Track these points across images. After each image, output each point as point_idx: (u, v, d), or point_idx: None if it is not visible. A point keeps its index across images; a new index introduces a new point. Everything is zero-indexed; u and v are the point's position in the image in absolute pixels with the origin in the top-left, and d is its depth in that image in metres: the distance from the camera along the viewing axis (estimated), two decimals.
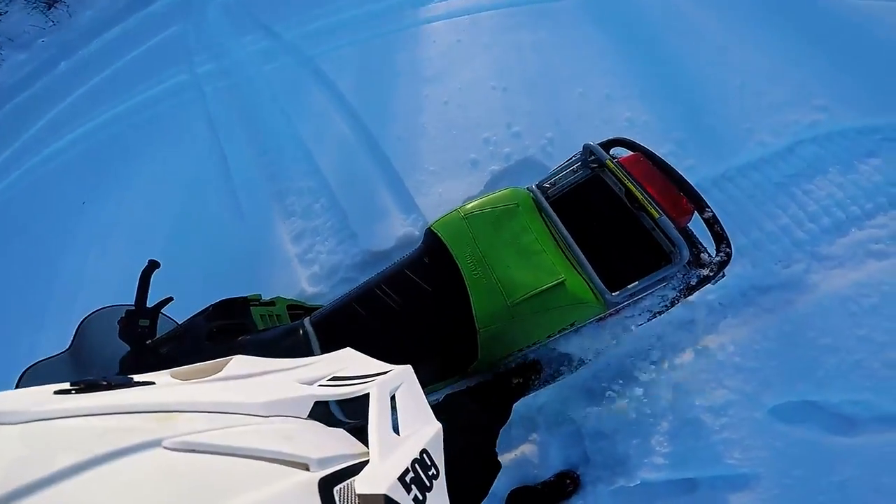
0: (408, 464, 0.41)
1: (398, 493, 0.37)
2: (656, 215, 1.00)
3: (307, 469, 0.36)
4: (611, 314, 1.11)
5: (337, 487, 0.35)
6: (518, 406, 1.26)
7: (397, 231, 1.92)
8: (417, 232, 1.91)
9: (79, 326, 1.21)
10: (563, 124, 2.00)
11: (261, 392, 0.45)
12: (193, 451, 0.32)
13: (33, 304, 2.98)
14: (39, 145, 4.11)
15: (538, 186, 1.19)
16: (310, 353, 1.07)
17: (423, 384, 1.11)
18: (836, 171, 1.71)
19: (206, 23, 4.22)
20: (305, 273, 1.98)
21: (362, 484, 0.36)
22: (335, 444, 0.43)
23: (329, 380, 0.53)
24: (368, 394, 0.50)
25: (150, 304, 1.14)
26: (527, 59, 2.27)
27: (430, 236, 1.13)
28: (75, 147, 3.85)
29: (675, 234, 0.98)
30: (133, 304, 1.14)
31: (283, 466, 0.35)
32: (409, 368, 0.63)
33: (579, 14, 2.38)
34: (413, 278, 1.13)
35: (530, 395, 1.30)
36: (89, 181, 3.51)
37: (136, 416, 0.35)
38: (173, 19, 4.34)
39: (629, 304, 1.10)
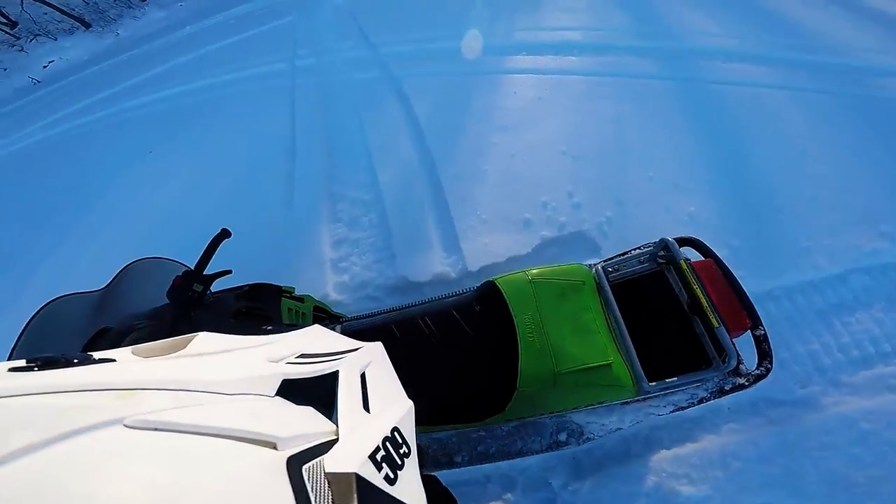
0: (378, 442, 0.41)
1: (369, 471, 0.37)
2: (715, 325, 1.04)
3: (275, 448, 0.35)
4: (638, 400, 1.16)
5: (306, 466, 0.34)
6: (502, 463, 1.30)
7: (435, 267, 1.93)
8: (454, 274, 1.91)
9: (122, 270, 1.23)
10: (625, 206, 1.98)
11: (227, 370, 0.44)
12: (156, 429, 0.31)
13: (86, 223, 3.17)
14: (136, 93, 4.48)
15: (603, 268, 1.21)
16: None
17: (437, 421, 1.08)
18: (881, 307, 1.66)
19: (316, 20, 4.53)
20: (335, 279, 2.01)
21: (332, 462, 0.35)
22: (304, 421, 0.41)
23: (297, 357, 0.52)
24: (337, 371, 0.48)
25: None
26: (604, 131, 2.28)
27: (491, 289, 1.16)
28: (164, 103, 4.17)
29: (730, 345, 1.02)
30: (172, 262, 1.16)
31: (249, 445, 0.34)
32: (379, 345, 0.60)
33: (667, 96, 2.39)
34: (459, 321, 1.15)
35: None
36: (163, 135, 3.77)
37: (97, 394, 0.33)
38: (290, 10, 4.69)
39: (660, 395, 1.14)
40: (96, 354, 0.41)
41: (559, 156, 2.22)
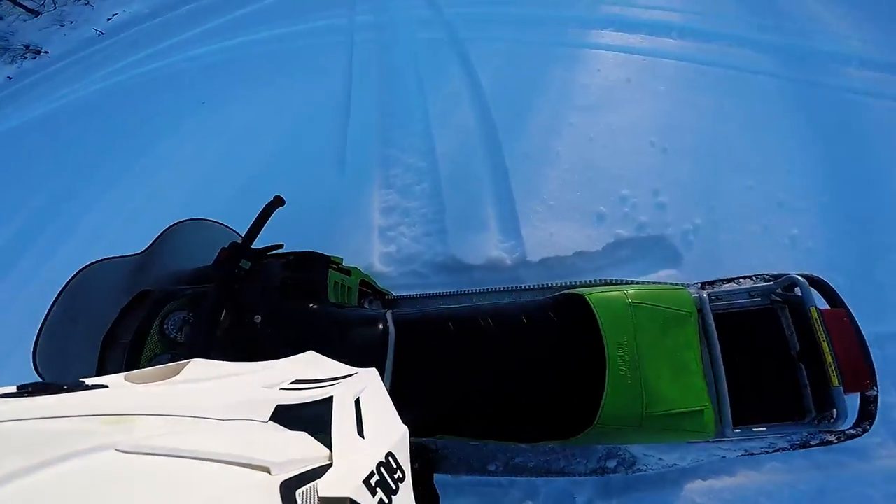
0: (373, 467, 0.41)
1: (363, 496, 0.37)
2: (835, 383, 0.93)
3: (268, 472, 0.35)
4: (710, 441, 1.08)
5: (299, 491, 0.34)
6: None
7: (490, 251, 1.74)
8: (510, 261, 1.73)
9: (167, 230, 1.14)
10: (716, 213, 1.72)
11: (220, 395, 0.45)
12: (149, 454, 0.31)
13: (137, 170, 3.18)
14: (194, 45, 4.47)
15: (709, 296, 1.06)
16: (384, 351, 0.99)
17: (482, 435, 0.97)
18: None
19: None
20: (381, 249, 1.86)
21: (326, 487, 0.36)
22: (297, 446, 0.41)
23: (291, 383, 0.52)
24: (332, 397, 0.49)
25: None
26: (702, 125, 1.99)
27: (579, 303, 1.00)
28: (221, 55, 4.11)
29: (844, 407, 0.93)
30: (232, 233, 1.07)
31: (243, 469, 0.34)
32: (373, 371, 0.61)
33: (782, 98, 2.06)
34: (530, 331, 1.00)
35: None
36: (218, 87, 3.74)
37: (89, 420, 0.33)
38: None
39: (737, 439, 1.06)
40: (88, 381, 0.41)
41: (646, 146, 1.96)
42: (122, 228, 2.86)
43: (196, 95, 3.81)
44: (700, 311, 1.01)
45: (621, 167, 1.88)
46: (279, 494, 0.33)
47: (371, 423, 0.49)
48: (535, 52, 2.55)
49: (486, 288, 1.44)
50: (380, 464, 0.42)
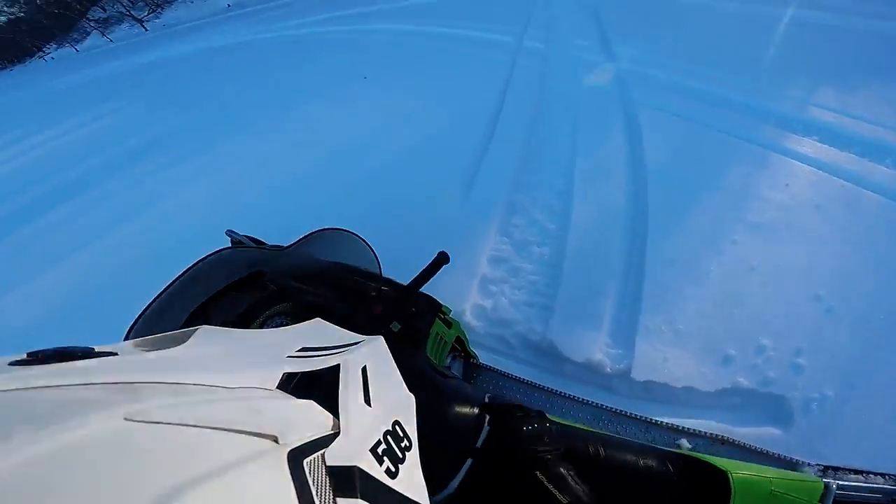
0: (380, 435, 0.42)
1: (370, 464, 0.38)
2: None
3: (276, 441, 0.34)
4: None
5: (307, 459, 0.34)
6: None
7: (593, 352, 1.57)
8: (610, 370, 1.54)
9: (312, 234, 1.11)
10: (854, 392, 1.38)
11: (228, 363, 0.45)
12: (156, 422, 0.30)
13: (283, 122, 3.48)
14: (370, 19, 4.83)
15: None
16: (474, 440, 0.89)
17: None
18: None
19: (556, 4, 4.20)
20: (477, 300, 1.78)
21: (333, 456, 0.36)
22: (304, 415, 0.41)
23: (298, 350, 0.52)
24: (339, 365, 0.49)
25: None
26: (887, 292, 1.59)
27: (716, 479, 0.88)
28: (391, 35, 4.39)
29: None
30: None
31: (250, 438, 0.33)
32: (380, 339, 0.59)
33: None
34: (645, 482, 0.89)
35: None
36: (381, 66, 3.95)
37: (97, 388, 0.33)
38: None
39: None
40: (97, 348, 0.41)
41: (811, 299, 1.62)
42: (248, 169, 3.13)
43: (360, 68, 4.05)
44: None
45: (773, 314, 1.58)
46: (286, 463, 0.33)
47: (378, 391, 0.49)
48: (717, 141, 2.26)
49: (594, 402, 1.28)
50: (387, 432, 0.43)
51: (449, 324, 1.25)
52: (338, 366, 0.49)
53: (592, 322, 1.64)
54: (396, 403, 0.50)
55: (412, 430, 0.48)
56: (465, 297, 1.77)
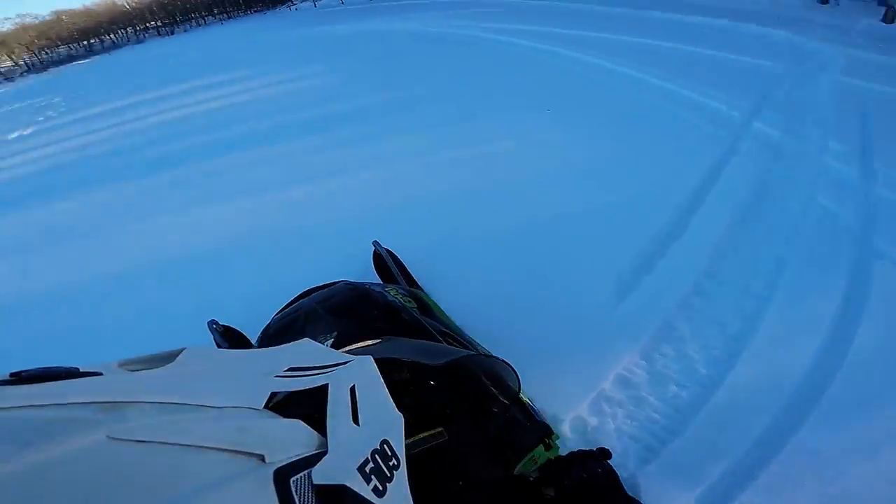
0: (368, 454, 0.41)
1: (357, 482, 0.37)
2: None
3: (262, 460, 0.34)
4: None
5: (293, 478, 0.34)
6: None
7: None
8: None
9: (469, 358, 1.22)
10: None
11: (215, 382, 0.44)
12: (141, 441, 0.31)
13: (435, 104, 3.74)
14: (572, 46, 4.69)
15: None
16: None
17: None
18: None
19: (807, 88, 3.35)
20: (582, 413, 1.69)
21: (320, 475, 0.36)
22: (292, 434, 0.41)
23: (286, 370, 0.52)
24: (327, 384, 0.49)
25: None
26: None
27: None
28: (588, 71, 4.29)
29: None
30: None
31: (237, 457, 0.33)
32: (369, 359, 0.59)
33: None
34: None
35: None
36: (571, 103, 3.83)
37: (82, 407, 0.33)
38: (781, 53, 3.67)
39: None
40: (82, 367, 0.42)
41: None
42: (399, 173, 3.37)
43: (546, 98, 4.02)
44: None
45: None
46: (273, 482, 0.33)
47: (366, 410, 0.49)
48: None
49: None
50: (374, 451, 0.42)
51: (549, 447, 1.25)
52: (326, 385, 0.49)
53: (690, 483, 1.39)
54: (385, 423, 0.50)
55: (400, 450, 0.47)
56: (573, 406, 1.70)
